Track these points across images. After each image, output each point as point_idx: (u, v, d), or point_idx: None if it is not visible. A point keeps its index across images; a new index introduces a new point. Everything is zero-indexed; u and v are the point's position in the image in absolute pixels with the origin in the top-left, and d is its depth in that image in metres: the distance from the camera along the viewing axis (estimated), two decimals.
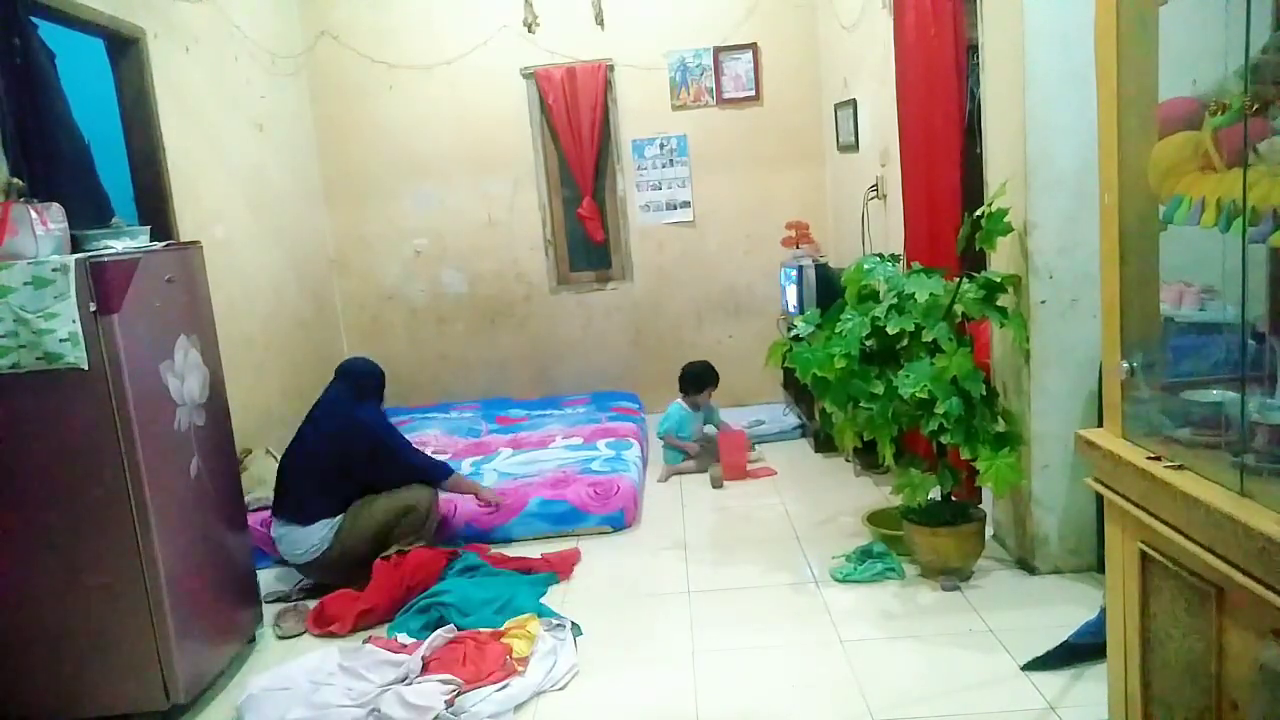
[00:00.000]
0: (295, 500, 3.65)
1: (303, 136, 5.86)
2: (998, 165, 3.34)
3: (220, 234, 4.57)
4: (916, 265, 3.51)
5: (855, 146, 5.15)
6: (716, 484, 4.68)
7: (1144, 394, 1.92)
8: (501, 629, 3.09)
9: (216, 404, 3.13)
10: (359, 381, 3.86)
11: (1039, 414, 3.23)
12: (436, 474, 3.89)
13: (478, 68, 5.91)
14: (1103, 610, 2.25)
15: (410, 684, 2.80)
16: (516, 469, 4.63)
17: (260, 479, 4.27)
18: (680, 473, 4.90)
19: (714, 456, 4.88)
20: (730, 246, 6.13)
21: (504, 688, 2.79)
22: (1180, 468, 1.71)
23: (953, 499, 3.39)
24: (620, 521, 4.15)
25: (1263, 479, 1.54)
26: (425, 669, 2.88)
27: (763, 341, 4.37)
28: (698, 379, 5.05)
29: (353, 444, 3.67)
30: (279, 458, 4.46)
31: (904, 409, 3.22)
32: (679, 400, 5.08)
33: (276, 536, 3.70)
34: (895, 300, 3.25)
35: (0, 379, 2.58)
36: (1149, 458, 1.79)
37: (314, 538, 3.61)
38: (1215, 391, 1.77)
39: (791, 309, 5.23)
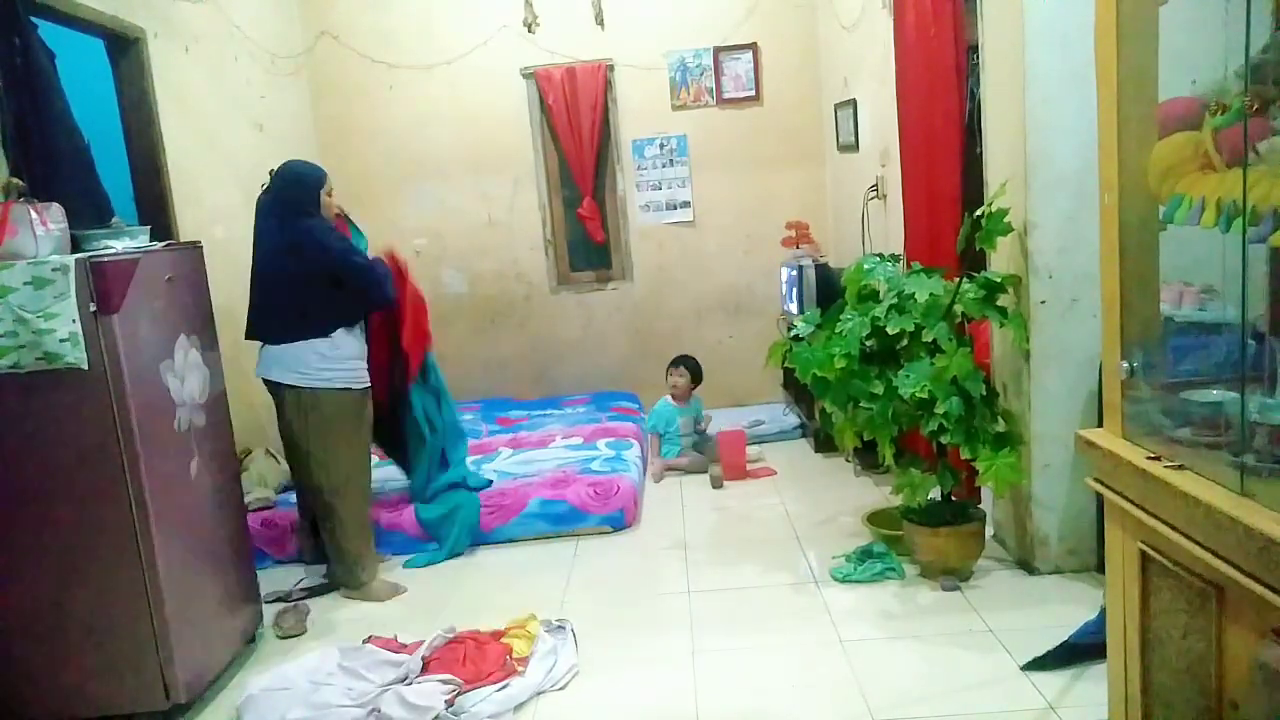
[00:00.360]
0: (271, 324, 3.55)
1: (303, 136, 5.86)
2: (998, 165, 3.34)
3: (220, 234, 4.56)
4: (916, 265, 3.51)
5: (855, 146, 5.15)
6: (716, 484, 4.69)
7: (1144, 394, 1.92)
8: (501, 629, 3.10)
9: (216, 404, 3.13)
10: (286, 194, 3.55)
11: (1039, 414, 3.23)
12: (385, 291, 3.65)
13: (478, 68, 5.91)
14: (1103, 610, 2.25)
15: (410, 684, 2.80)
16: (516, 469, 4.63)
17: (260, 479, 4.28)
18: (673, 469, 4.90)
19: (712, 457, 4.89)
20: (730, 246, 6.13)
21: (504, 688, 2.79)
22: (1180, 468, 1.71)
23: (953, 499, 3.39)
24: (620, 521, 4.15)
25: (1263, 479, 1.54)
26: (425, 669, 2.88)
27: (763, 341, 4.37)
28: (686, 360, 5.14)
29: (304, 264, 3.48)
30: (279, 458, 4.46)
31: (904, 409, 3.22)
32: (665, 397, 5.11)
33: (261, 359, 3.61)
34: (895, 300, 3.25)
35: None
36: (1149, 458, 1.79)
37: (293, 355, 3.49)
38: (1215, 391, 1.76)
39: (791, 309, 5.23)
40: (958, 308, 3.19)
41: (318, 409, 3.53)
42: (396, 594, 3.66)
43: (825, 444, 4.85)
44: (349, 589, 3.65)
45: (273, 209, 3.56)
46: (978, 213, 3.12)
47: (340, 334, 3.55)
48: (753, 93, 5.96)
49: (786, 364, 3.49)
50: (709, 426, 5.22)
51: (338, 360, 3.54)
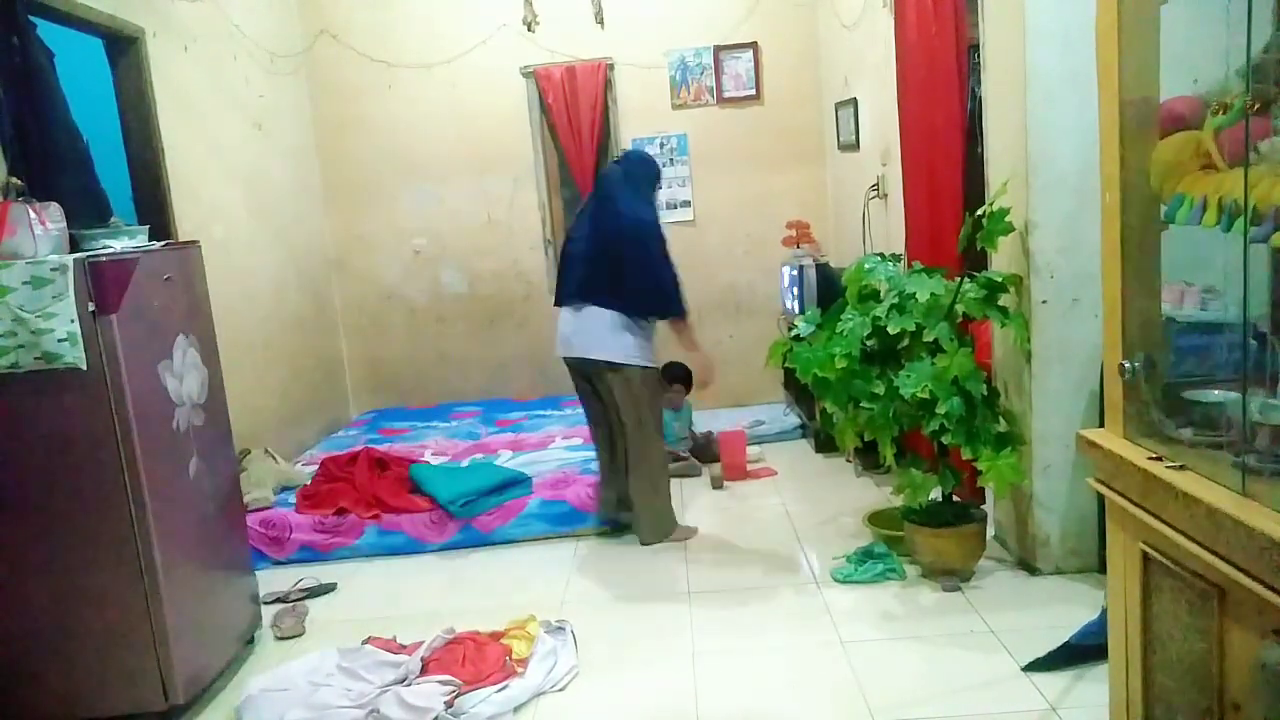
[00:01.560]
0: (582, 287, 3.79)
1: (302, 136, 5.86)
2: (999, 164, 3.33)
3: (219, 233, 4.56)
4: (917, 265, 3.50)
5: (856, 145, 5.15)
6: (717, 484, 4.68)
7: (1145, 394, 1.91)
8: (501, 630, 3.09)
9: (215, 404, 3.13)
10: (631, 170, 3.89)
11: (1040, 414, 3.23)
12: (676, 308, 3.79)
13: (477, 67, 5.91)
14: (1104, 611, 2.24)
15: (409, 685, 2.79)
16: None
17: (259, 480, 4.27)
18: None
19: (712, 457, 4.88)
20: (730, 246, 6.12)
21: (504, 689, 2.78)
22: (1182, 468, 1.70)
23: (954, 499, 3.38)
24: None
25: (1264, 479, 1.53)
26: (424, 670, 2.87)
27: (763, 341, 4.36)
28: (680, 376, 5.08)
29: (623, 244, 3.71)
30: (278, 459, 4.46)
31: (905, 409, 3.21)
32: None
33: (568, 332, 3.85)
34: (896, 300, 3.25)
35: None
36: (1150, 458, 1.78)
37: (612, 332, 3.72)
38: (1217, 392, 1.76)
39: (791, 308, 5.22)
40: (959, 307, 3.19)
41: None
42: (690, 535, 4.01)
43: (826, 444, 4.84)
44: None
45: (624, 180, 3.83)
46: (979, 212, 3.11)
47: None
48: (753, 92, 5.96)
49: (787, 364, 3.48)
50: (695, 427, 5.21)
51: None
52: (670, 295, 3.74)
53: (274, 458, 4.49)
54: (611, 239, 3.71)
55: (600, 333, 3.73)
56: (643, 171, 3.89)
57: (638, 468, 3.86)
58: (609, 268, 3.70)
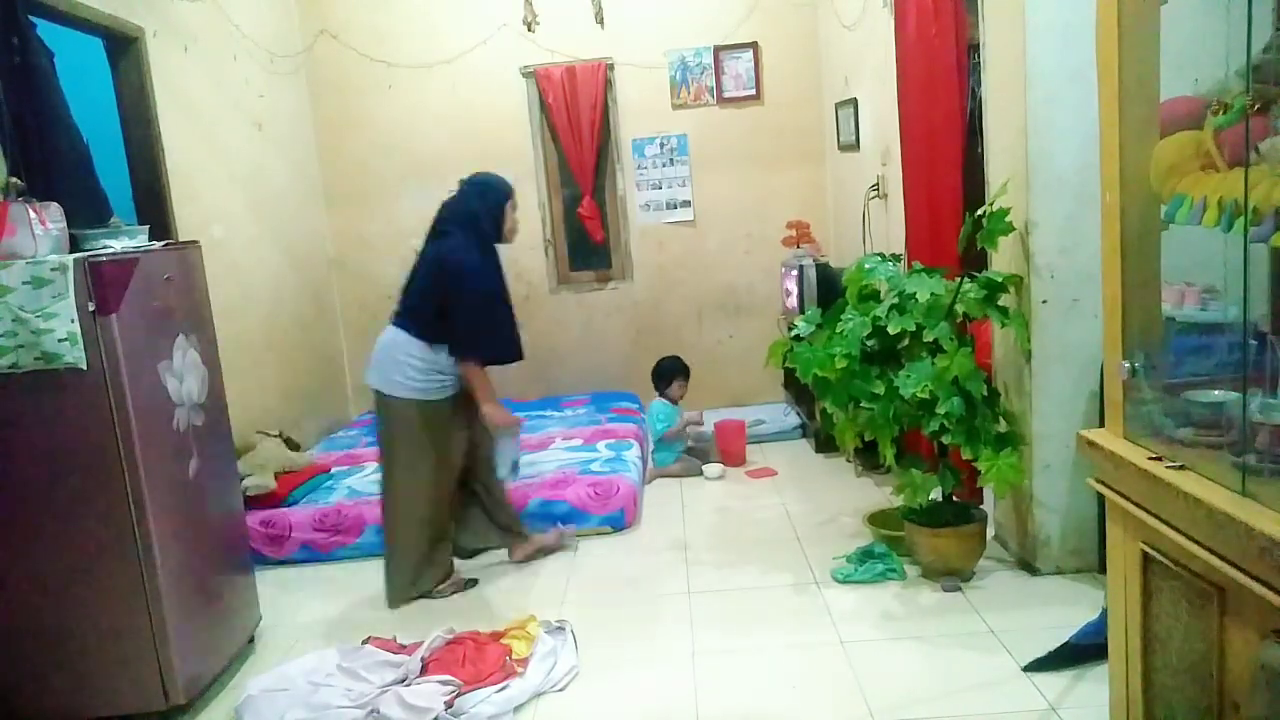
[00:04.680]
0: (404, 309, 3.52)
1: (302, 136, 5.86)
2: (999, 164, 3.33)
3: (219, 233, 4.56)
4: (917, 265, 3.50)
5: (856, 145, 5.15)
6: (718, 475, 4.67)
7: (1146, 394, 1.92)
8: (501, 630, 3.09)
9: (215, 404, 3.13)
10: (469, 207, 3.61)
11: (1040, 414, 3.23)
12: (474, 352, 3.43)
13: (477, 67, 5.91)
14: (1104, 611, 2.24)
15: (409, 685, 2.79)
16: None
17: (263, 461, 4.25)
18: (666, 475, 4.89)
19: (707, 455, 4.89)
20: (730, 246, 6.12)
21: (503, 689, 2.78)
22: (1182, 468, 1.70)
23: (954, 499, 3.38)
24: (620, 522, 4.15)
25: (1264, 479, 1.53)
26: (424, 670, 2.88)
27: (763, 341, 4.36)
28: (669, 371, 5.14)
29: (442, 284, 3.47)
30: (278, 435, 4.43)
31: (905, 409, 3.21)
32: (659, 400, 5.10)
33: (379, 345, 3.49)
34: (896, 300, 3.25)
35: None
36: (1150, 458, 1.78)
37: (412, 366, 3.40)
38: (1217, 392, 1.76)
39: (791, 308, 5.22)
40: (959, 307, 3.19)
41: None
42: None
43: (826, 444, 4.84)
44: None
45: (452, 216, 3.64)
46: (979, 212, 3.11)
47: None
48: (753, 92, 5.95)
49: (787, 364, 3.48)
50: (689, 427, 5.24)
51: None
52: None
53: (267, 433, 4.47)
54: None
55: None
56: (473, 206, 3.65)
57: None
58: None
